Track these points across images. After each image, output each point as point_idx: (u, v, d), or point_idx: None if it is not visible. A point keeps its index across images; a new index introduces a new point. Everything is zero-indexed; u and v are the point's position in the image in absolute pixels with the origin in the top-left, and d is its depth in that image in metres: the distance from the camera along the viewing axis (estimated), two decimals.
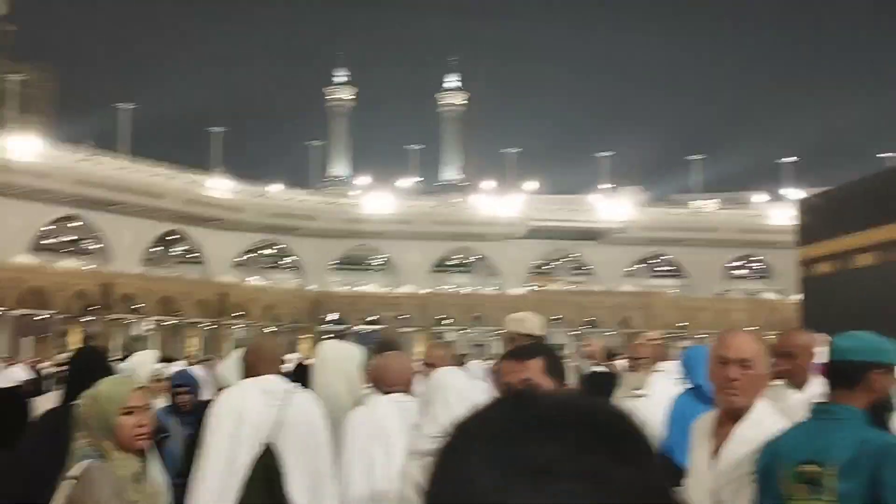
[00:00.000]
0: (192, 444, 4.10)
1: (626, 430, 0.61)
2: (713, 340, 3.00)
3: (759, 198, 60.32)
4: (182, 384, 5.99)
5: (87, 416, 3.00)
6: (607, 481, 0.56)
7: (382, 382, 4.03)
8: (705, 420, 2.96)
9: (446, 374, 3.45)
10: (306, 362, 7.62)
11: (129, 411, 2.97)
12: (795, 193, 49.71)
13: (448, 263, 54.70)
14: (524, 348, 2.83)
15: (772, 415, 2.82)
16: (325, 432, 3.84)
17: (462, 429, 0.63)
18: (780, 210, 52.71)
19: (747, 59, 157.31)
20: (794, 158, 59.16)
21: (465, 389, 3.32)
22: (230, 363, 5.22)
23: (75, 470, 2.89)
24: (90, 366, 4.02)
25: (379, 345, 5.58)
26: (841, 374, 2.58)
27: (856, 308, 15.98)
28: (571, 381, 6.45)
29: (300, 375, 5.33)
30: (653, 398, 4.88)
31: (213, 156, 52.16)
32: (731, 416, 2.81)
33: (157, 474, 3.26)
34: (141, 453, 3.06)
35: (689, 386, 4.26)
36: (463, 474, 0.58)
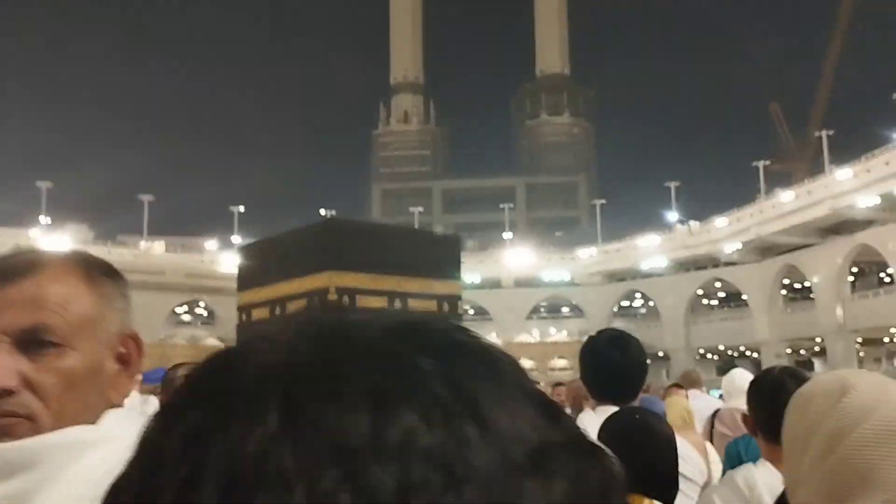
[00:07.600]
0: None
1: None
2: None
3: (210, 244, 60.76)
4: None
5: None
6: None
7: None
8: None
9: None
10: None
11: None
12: (244, 241, 51.13)
13: None
14: None
15: None
16: None
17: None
18: (228, 256, 53.70)
19: (201, 101, 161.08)
20: (242, 208, 60.88)
21: None
22: None
23: None
24: None
25: None
26: None
27: None
28: None
29: None
30: None
31: None
32: None
33: None
34: None
35: None
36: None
